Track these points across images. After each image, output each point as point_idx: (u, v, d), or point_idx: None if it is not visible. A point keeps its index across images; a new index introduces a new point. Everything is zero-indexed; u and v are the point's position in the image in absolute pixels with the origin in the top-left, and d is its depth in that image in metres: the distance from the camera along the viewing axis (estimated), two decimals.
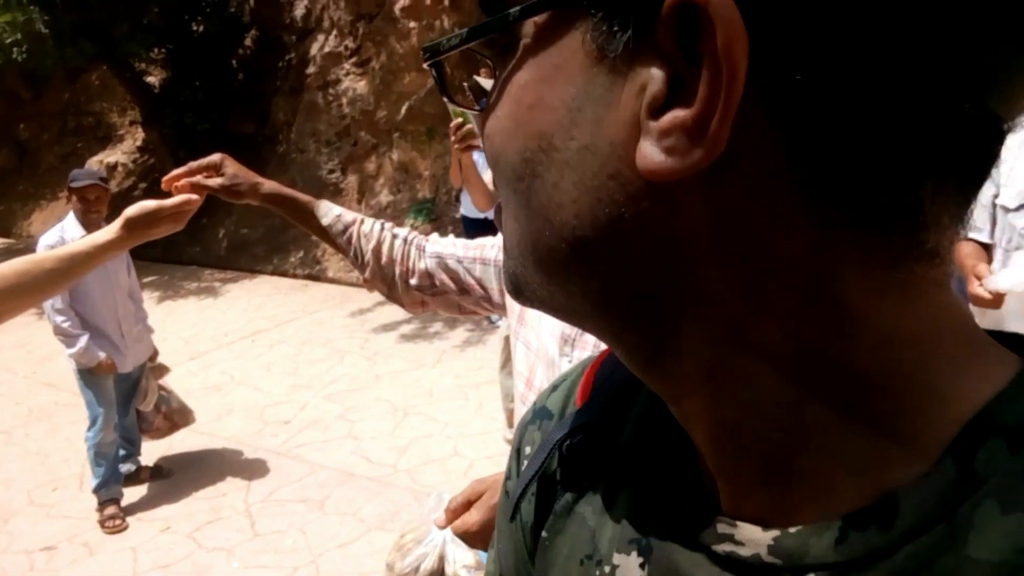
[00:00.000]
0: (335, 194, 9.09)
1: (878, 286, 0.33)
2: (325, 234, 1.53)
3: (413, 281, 1.52)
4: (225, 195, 1.47)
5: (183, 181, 1.48)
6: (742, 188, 0.32)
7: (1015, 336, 0.38)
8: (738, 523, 0.38)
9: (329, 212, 1.52)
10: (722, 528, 0.38)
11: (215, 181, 1.47)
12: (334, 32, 9.45)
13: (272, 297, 8.13)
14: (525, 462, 0.56)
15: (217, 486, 4.20)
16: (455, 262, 1.50)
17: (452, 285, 1.51)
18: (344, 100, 9.23)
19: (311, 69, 9.65)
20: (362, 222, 1.53)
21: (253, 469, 4.35)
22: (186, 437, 4.53)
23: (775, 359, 0.35)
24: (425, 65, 0.41)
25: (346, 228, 1.52)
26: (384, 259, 1.52)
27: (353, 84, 9.17)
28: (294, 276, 8.76)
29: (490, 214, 5.26)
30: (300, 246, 8.93)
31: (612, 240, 0.34)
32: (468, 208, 5.46)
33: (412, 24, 8.28)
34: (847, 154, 0.30)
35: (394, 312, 6.76)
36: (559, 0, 0.33)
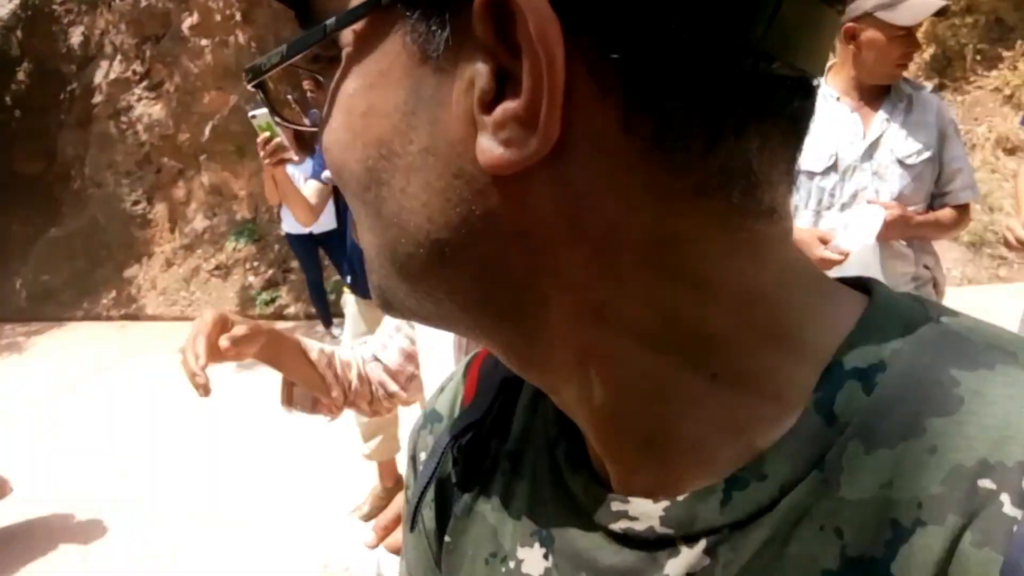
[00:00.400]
0: (143, 226, 8.55)
1: (725, 249, 0.34)
2: (310, 369, 1.43)
3: (392, 388, 1.54)
4: (239, 353, 1.26)
5: (204, 363, 1.20)
6: (585, 171, 0.32)
7: (860, 279, 0.40)
8: (630, 499, 0.39)
9: (313, 347, 1.46)
10: (615, 506, 0.39)
11: (230, 349, 1.24)
12: (118, 57, 8.85)
13: (87, 345, 7.52)
14: (421, 468, 0.55)
15: (48, 557, 3.83)
16: (389, 349, 1.53)
17: (400, 361, 1.54)
18: (140, 127, 8.68)
19: (98, 98, 9.00)
20: (337, 354, 1.50)
21: (88, 532, 4.00)
22: (4, 510, 4.10)
23: (640, 335, 0.35)
24: (249, 87, 0.39)
25: (330, 361, 1.47)
26: (365, 379, 1.52)
27: (147, 109, 8.63)
28: (109, 319, 8.15)
29: (316, 228, 5.11)
30: (112, 285, 8.34)
31: (468, 239, 0.34)
32: (291, 224, 5.28)
33: (204, 42, 7.91)
34: (675, 123, 0.31)
35: None
36: (371, 5, 0.32)
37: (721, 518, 0.35)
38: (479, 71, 0.31)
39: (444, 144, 0.33)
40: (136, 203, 8.76)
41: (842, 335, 0.35)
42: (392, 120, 0.34)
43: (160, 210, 8.68)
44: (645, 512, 0.38)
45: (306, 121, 0.46)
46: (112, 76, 8.88)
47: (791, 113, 0.34)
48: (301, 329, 6.84)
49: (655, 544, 0.38)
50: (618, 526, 0.39)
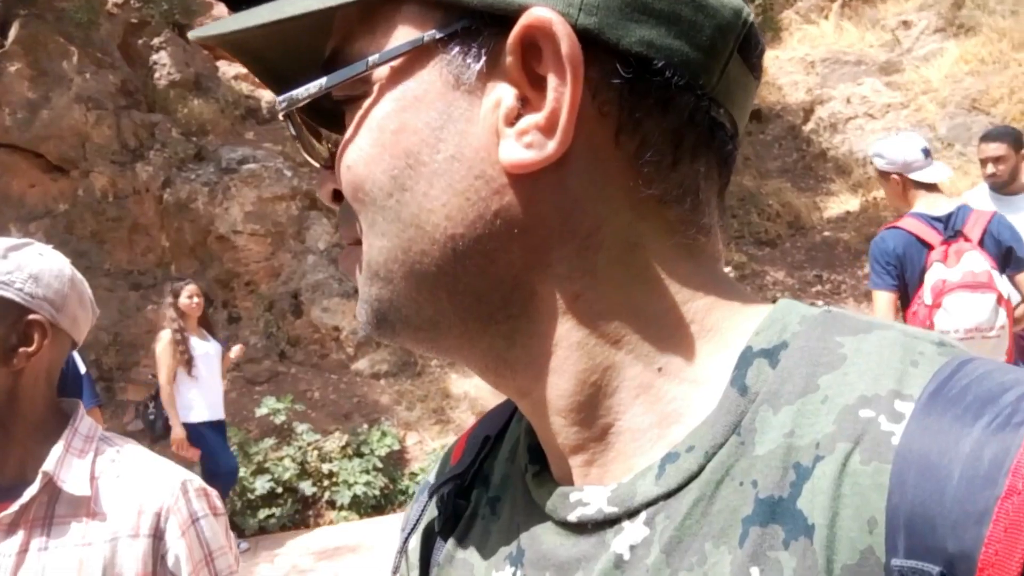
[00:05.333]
0: None
1: (675, 253, 0.43)
2: None
3: None
4: None
5: None
6: (580, 177, 0.41)
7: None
8: (584, 487, 0.44)
9: None
10: (573, 496, 0.44)
11: None
12: None
13: None
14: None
15: None
16: None
17: None
18: None
19: None
20: None
21: None
22: None
23: (604, 328, 0.43)
24: (281, 116, 0.46)
25: None
26: None
27: None
28: None
29: (213, 415, 4.63)
30: None
31: (480, 233, 0.42)
32: (199, 411, 4.97)
33: None
34: (652, 142, 0.41)
35: None
36: (414, 44, 0.41)
37: (656, 489, 0.40)
38: (505, 93, 0.41)
39: (470, 151, 0.41)
40: None
41: (754, 328, 0.42)
42: (422, 135, 0.41)
43: None
44: (595, 496, 0.42)
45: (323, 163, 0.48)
46: None
47: (725, 153, 0.45)
48: None
49: (604, 525, 0.42)
50: (575, 515, 0.43)
